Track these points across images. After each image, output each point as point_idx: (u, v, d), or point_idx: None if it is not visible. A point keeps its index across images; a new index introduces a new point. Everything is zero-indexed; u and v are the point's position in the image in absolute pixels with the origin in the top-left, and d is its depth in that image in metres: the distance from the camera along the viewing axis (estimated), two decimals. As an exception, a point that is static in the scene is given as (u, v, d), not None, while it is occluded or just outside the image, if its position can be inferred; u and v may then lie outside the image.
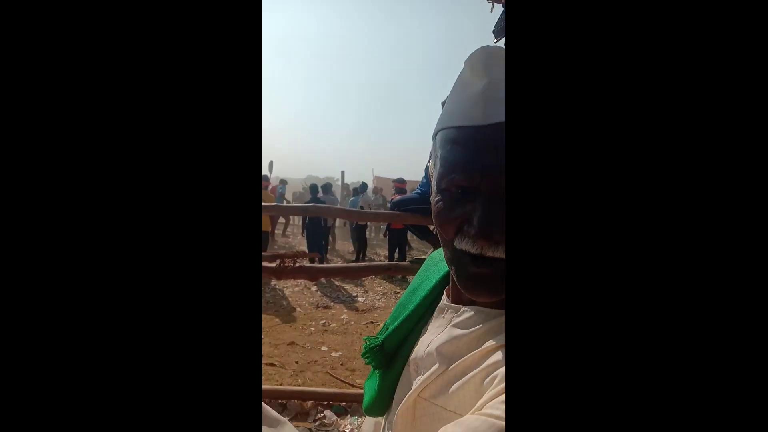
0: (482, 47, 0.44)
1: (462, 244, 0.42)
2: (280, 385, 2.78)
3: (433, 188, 0.46)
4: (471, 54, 0.44)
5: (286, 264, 2.36)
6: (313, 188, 7.76)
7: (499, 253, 0.40)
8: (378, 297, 5.27)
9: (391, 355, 0.55)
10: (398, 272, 2.50)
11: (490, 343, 0.43)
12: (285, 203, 8.44)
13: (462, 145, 0.42)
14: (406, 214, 2.76)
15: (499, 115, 0.40)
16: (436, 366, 0.46)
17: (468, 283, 0.43)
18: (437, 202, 0.44)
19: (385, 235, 8.79)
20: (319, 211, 3.41)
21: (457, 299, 0.51)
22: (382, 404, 0.55)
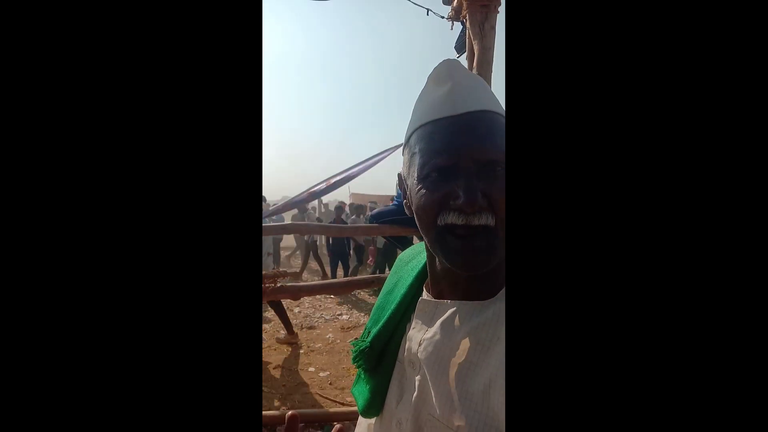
0: (443, 60, 0.51)
1: (447, 218, 0.46)
2: (268, 410, 2.70)
3: (414, 182, 0.49)
4: (434, 68, 0.52)
5: (266, 285, 2.31)
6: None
7: (484, 221, 0.45)
8: (362, 314, 5.22)
9: (378, 355, 0.58)
10: (381, 285, 2.49)
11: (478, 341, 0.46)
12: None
13: (439, 133, 0.47)
14: (385, 226, 2.76)
15: (467, 106, 0.47)
16: (430, 375, 0.49)
17: (457, 257, 0.46)
18: (419, 190, 0.48)
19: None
20: (297, 228, 3.39)
21: (438, 294, 0.54)
22: (378, 404, 0.58)
